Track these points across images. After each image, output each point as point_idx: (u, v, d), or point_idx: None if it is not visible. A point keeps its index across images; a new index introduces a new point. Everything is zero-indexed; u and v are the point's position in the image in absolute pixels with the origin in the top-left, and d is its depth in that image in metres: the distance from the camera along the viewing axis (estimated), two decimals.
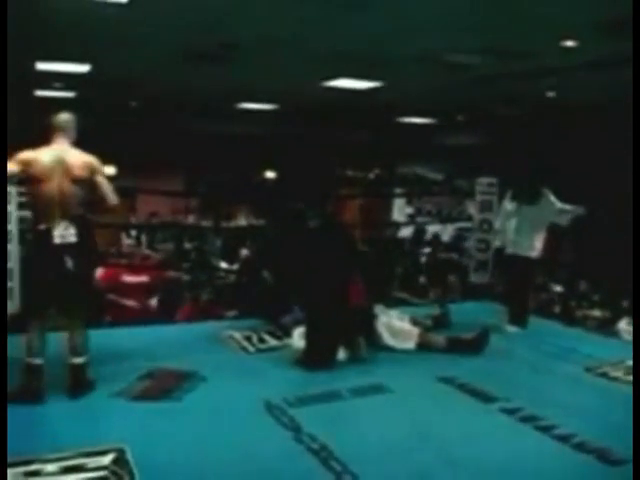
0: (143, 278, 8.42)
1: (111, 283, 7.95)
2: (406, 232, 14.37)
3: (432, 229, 14.10)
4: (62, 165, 3.93)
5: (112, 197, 4.09)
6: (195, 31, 6.62)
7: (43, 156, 3.95)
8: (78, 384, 4.06)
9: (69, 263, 3.89)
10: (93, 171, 4.02)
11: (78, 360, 4.07)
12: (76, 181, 3.94)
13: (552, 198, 6.11)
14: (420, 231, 13.93)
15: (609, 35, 5.75)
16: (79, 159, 3.99)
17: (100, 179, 4.05)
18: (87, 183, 3.99)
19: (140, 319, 6.98)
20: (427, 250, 12.58)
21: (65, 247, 3.90)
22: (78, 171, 3.95)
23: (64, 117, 4.09)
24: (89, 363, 4.15)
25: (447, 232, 14.29)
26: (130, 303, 7.77)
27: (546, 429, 3.75)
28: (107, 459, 3.16)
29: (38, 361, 3.94)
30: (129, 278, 8.28)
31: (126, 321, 6.72)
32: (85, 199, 4.02)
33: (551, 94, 9.94)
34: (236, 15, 5.99)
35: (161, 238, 13.53)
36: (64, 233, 3.88)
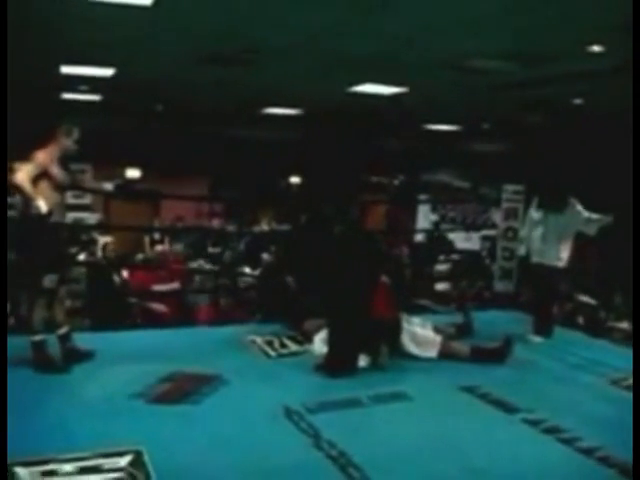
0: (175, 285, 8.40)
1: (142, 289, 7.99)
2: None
3: (454, 236, 14.01)
4: None
5: None
6: (219, 35, 6.63)
7: None
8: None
9: None
10: None
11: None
12: None
13: (579, 207, 6.02)
14: (440, 238, 13.82)
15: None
16: None
17: None
18: None
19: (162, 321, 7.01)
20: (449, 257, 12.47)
21: None
22: None
23: None
24: None
25: (473, 240, 14.14)
26: (160, 308, 7.73)
27: (570, 441, 3.68)
28: (124, 461, 3.15)
29: None
30: (160, 287, 8.20)
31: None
32: None
33: (578, 101, 9.83)
34: (261, 19, 5.99)
35: (185, 242, 13.41)
36: None
